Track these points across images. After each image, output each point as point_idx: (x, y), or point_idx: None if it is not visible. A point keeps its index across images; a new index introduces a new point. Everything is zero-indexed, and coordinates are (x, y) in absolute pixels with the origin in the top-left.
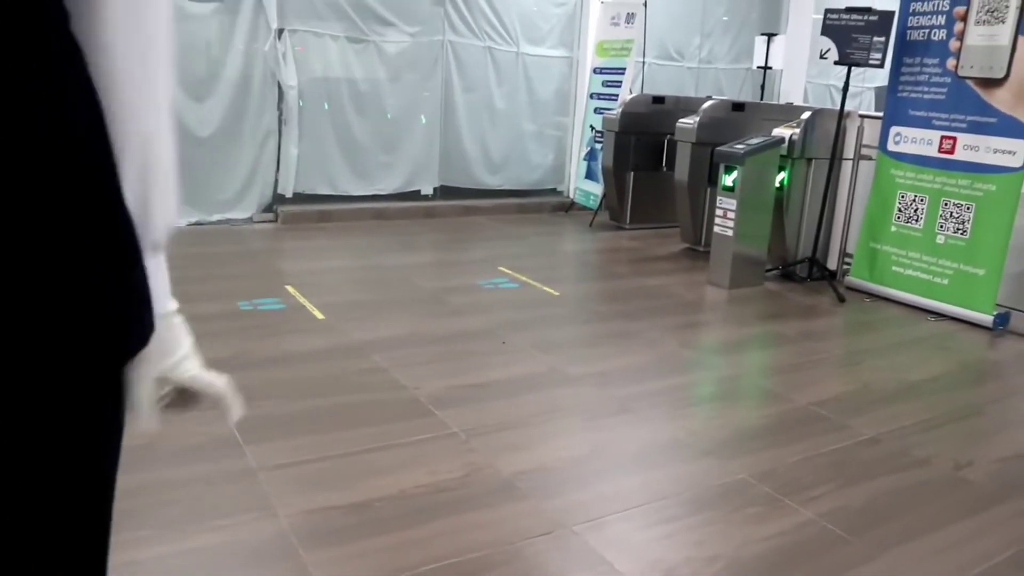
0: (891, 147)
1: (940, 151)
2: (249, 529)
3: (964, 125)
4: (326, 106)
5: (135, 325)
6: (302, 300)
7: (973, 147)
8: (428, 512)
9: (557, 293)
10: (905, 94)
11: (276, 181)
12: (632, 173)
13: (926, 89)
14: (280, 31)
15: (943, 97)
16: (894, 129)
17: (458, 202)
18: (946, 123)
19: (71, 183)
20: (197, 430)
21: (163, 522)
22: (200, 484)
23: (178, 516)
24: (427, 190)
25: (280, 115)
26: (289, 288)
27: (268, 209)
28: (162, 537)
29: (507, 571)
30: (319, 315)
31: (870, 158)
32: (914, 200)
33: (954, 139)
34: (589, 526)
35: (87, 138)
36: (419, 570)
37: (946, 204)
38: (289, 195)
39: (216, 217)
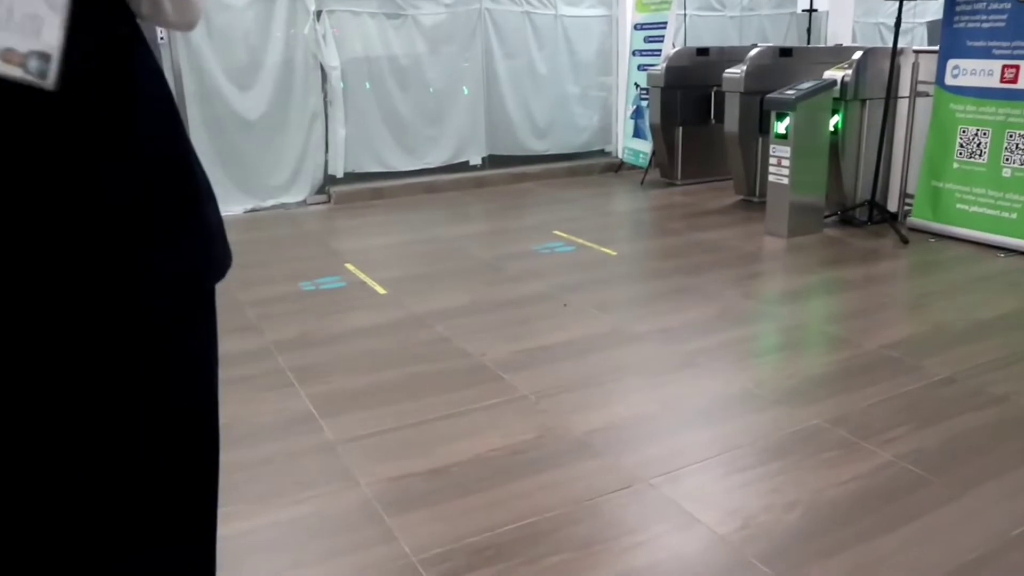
0: (949, 81)
1: (1002, 81)
2: (333, 499)
3: None
4: (368, 85)
5: (223, 244)
6: (362, 277)
7: None
8: (505, 474)
9: (614, 253)
10: (962, 25)
11: (326, 162)
12: (680, 128)
13: (984, 18)
14: (318, 13)
15: (1003, 24)
16: (951, 62)
17: (507, 170)
18: (1007, 51)
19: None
20: (273, 408)
21: (250, 498)
22: (281, 460)
23: (264, 491)
24: (475, 160)
25: (325, 97)
26: (348, 266)
27: (320, 191)
28: (251, 512)
29: (588, 527)
30: (380, 290)
31: (927, 94)
32: (976, 134)
33: (1017, 67)
34: (666, 479)
35: (170, 110)
36: (501, 530)
37: (1011, 136)
38: (340, 175)
39: (271, 202)
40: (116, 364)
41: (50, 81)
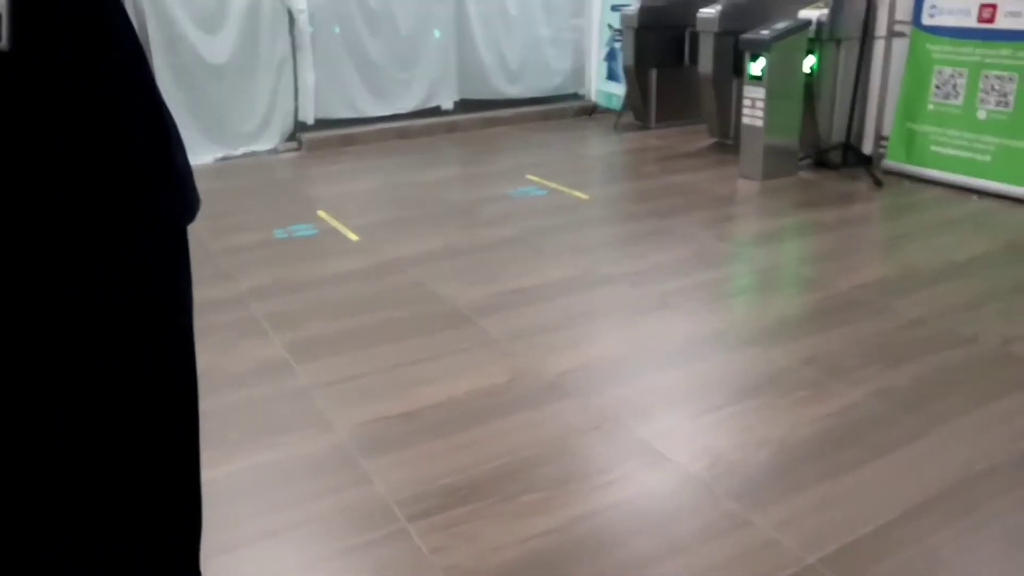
0: (926, 21)
1: (979, 21)
2: (309, 443)
3: None
4: (337, 29)
5: (192, 187)
6: (335, 224)
7: (1015, 13)
8: (478, 416)
9: (587, 197)
10: None
11: (296, 109)
12: (655, 70)
13: None
14: None
15: None
16: (929, 1)
17: (479, 114)
18: None
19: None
20: (249, 354)
21: (227, 443)
22: (257, 405)
23: (239, 437)
24: (447, 105)
25: (292, 41)
26: (321, 213)
27: (291, 138)
28: (229, 457)
29: (559, 465)
30: (353, 236)
31: (904, 35)
32: (952, 75)
33: (994, 7)
34: (637, 418)
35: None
36: (475, 470)
37: (987, 77)
38: (310, 122)
39: (241, 151)
40: (99, 309)
41: (4, 42)
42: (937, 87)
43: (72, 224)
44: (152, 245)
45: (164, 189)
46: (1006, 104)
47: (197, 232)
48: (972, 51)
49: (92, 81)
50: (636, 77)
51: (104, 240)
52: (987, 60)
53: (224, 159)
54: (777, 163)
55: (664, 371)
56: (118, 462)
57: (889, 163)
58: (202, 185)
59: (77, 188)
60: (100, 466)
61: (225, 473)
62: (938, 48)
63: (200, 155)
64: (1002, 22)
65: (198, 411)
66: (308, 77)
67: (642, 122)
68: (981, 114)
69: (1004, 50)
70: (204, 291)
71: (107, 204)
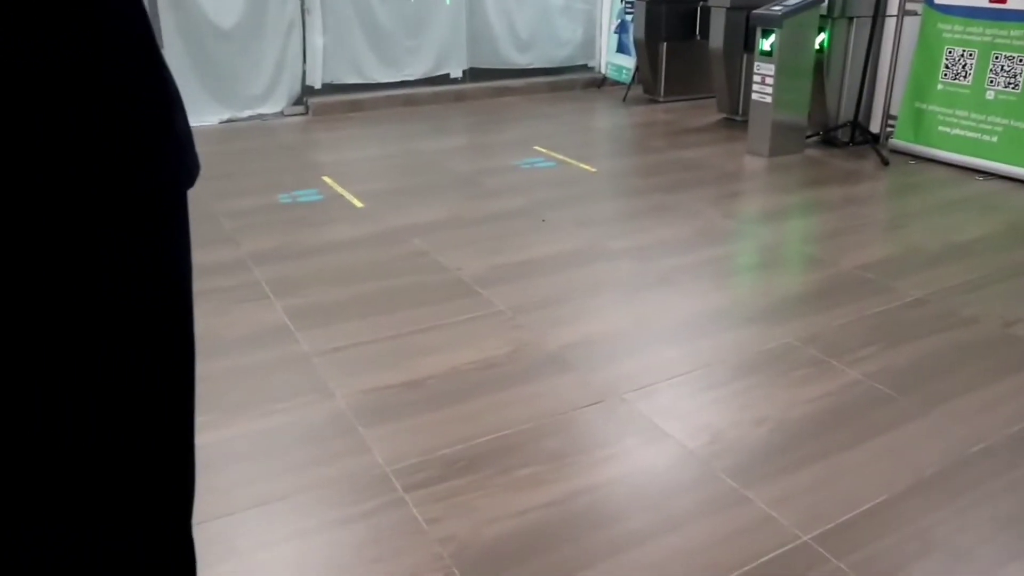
0: (938, 0)
1: (991, 1)
2: (309, 410)
3: None
4: None
5: (192, 152)
6: (340, 190)
7: None
8: (479, 387)
9: (594, 170)
10: None
11: (304, 73)
12: (665, 44)
13: None
14: None
15: None
16: None
17: (488, 83)
18: None
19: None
20: (250, 319)
21: (227, 407)
22: (258, 371)
23: (240, 401)
24: (456, 73)
25: (302, 4)
26: (326, 179)
27: (298, 102)
28: (228, 421)
29: (559, 439)
30: (358, 203)
31: (915, 13)
32: (962, 55)
33: None
34: (637, 394)
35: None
36: (474, 442)
37: (996, 58)
38: (318, 86)
39: (247, 113)
40: (100, 267)
41: None
42: (947, 67)
43: (67, 196)
44: (151, 212)
45: (164, 155)
46: (1015, 85)
47: (200, 195)
48: (983, 31)
49: (82, 42)
50: (646, 50)
51: (101, 212)
52: (997, 41)
53: (230, 121)
54: (785, 140)
55: (666, 347)
56: (114, 433)
57: (896, 142)
58: (207, 147)
59: (70, 157)
60: (95, 437)
61: (222, 438)
62: (949, 28)
63: (206, 116)
64: (1013, 2)
65: (194, 375)
66: (317, 41)
67: (651, 95)
68: (989, 95)
69: (1015, 31)
70: (206, 254)
71: (103, 174)
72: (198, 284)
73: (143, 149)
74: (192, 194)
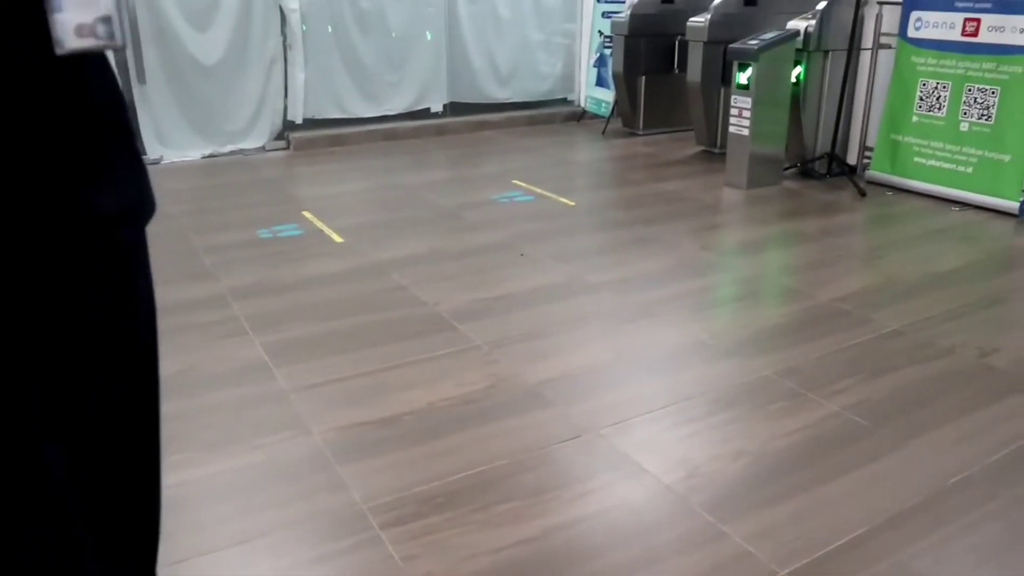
0: (911, 34)
1: (963, 34)
2: (285, 447)
3: (988, 5)
4: (329, 28)
5: (148, 189)
6: (320, 225)
7: (998, 28)
8: (456, 423)
9: (573, 203)
10: None
11: (285, 108)
12: (644, 77)
13: None
14: None
15: None
16: (914, 14)
17: (468, 118)
18: (969, 4)
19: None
20: (228, 355)
21: (204, 444)
22: (235, 407)
23: (217, 438)
24: (436, 107)
25: (284, 40)
26: (306, 214)
27: (279, 137)
28: (205, 458)
29: (537, 475)
30: (338, 238)
31: (890, 47)
32: (936, 88)
33: (978, 21)
34: (615, 429)
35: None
36: (451, 478)
37: (970, 90)
38: (299, 121)
39: (229, 148)
40: (65, 300)
41: (118, 40)
42: (921, 99)
43: (32, 206)
44: (116, 236)
45: (125, 180)
46: (988, 117)
47: (179, 229)
48: (955, 64)
49: (55, 69)
50: (625, 84)
51: (66, 230)
52: (970, 73)
53: (211, 156)
54: (762, 172)
55: (644, 381)
56: (80, 469)
57: (873, 173)
58: (187, 182)
59: (38, 170)
60: (63, 473)
61: (200, 475)
62: (923, 61)
63: (187, 151)
64: (985, 36)
65: (159, 413)
66: (298, 76)
67: (630, 128)
68: (964, 126)
69: (987, 64)
70: (185, 289)
71: (67, 192)
72: (176, 319)
73: (104, 173)
74: (171, 228)
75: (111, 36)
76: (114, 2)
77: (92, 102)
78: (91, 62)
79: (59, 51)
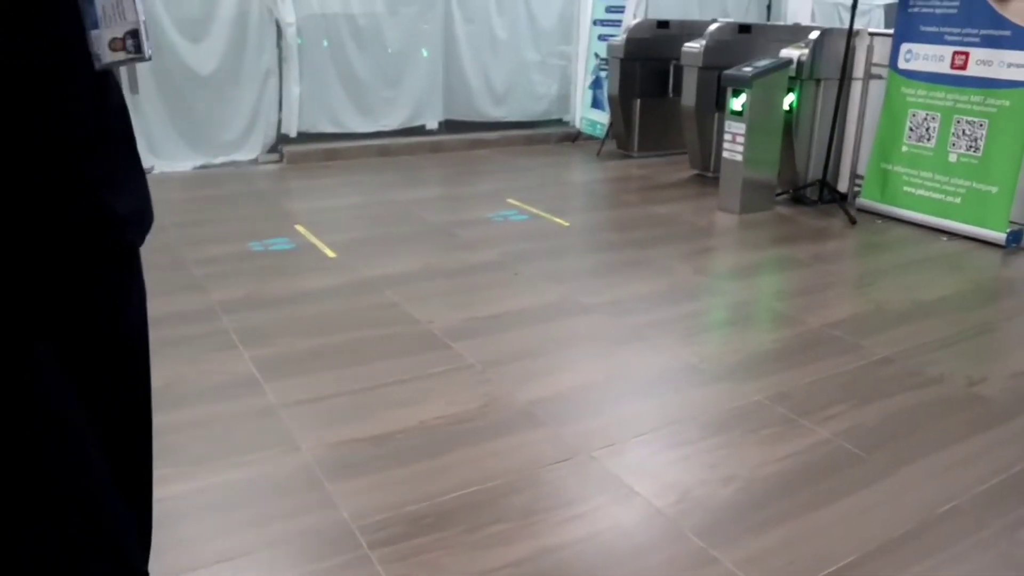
0: (902, 65)
1: (952, 67)
2: (274, 463)
3: (977, 39)
4: (325, 43)
5: (150, 196)
6: (312, 239)
7: (986, 62)
8: (448, 442)
9: (567, 223)
10: (916, 10)
11: (279, 121)
12: (638, 100)
13: (938, 4)
14: None
15: (955, 11)
16: (905, 46)
17: (463, 136)
18: (958, 38)
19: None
20: (217, 370)
21: (192, 459)
22: (224, 422)
23: (205, 453)
24: (432, 125)
25: (280, 53)
26: (299, 227)
27: (273, 149)
28: (193, 473)
29: (527, 497)
30: (330, 253)
31: (880, 77)
32: (925, 119)
33: (967, 54)
34: (607, 451)
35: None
36: (442, 498)
37: (958, 121)
38: (293, 135)
39: (221, 159)
40: (74, 299)
41: (147, 53)
42: (911, 129)
43: (55, 203)
44: (130, 238)
45: (134, 185)
46: (976, 149)
47: (170, 241)
48: (945, 96)
49: (75, 74)
50: (620, 106)
51: (87, 229)
52: (959, 105)
53: (204, 167)
54: (755, 197)
55: (636, 403)
56: (69, 477)
57: (863, 201)
58: (179, 193)
59: (59, 175)
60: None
61: (187, 490)
62: (912, 92)
63: (179, 162)
64: (974, 70)
65: (151, 422)
66: (293, 90)
67: (625, 151)
68: (952, 157)
69: (975, 96)
70: (175, 301)
71: (89, 196)
72: (165, 331)
73: (120, 177)
74: (162, 240)
75: (138, 49)
76: (141, 16)
77: (111, 110)
78: (109, 72)
79: (98, 66)
